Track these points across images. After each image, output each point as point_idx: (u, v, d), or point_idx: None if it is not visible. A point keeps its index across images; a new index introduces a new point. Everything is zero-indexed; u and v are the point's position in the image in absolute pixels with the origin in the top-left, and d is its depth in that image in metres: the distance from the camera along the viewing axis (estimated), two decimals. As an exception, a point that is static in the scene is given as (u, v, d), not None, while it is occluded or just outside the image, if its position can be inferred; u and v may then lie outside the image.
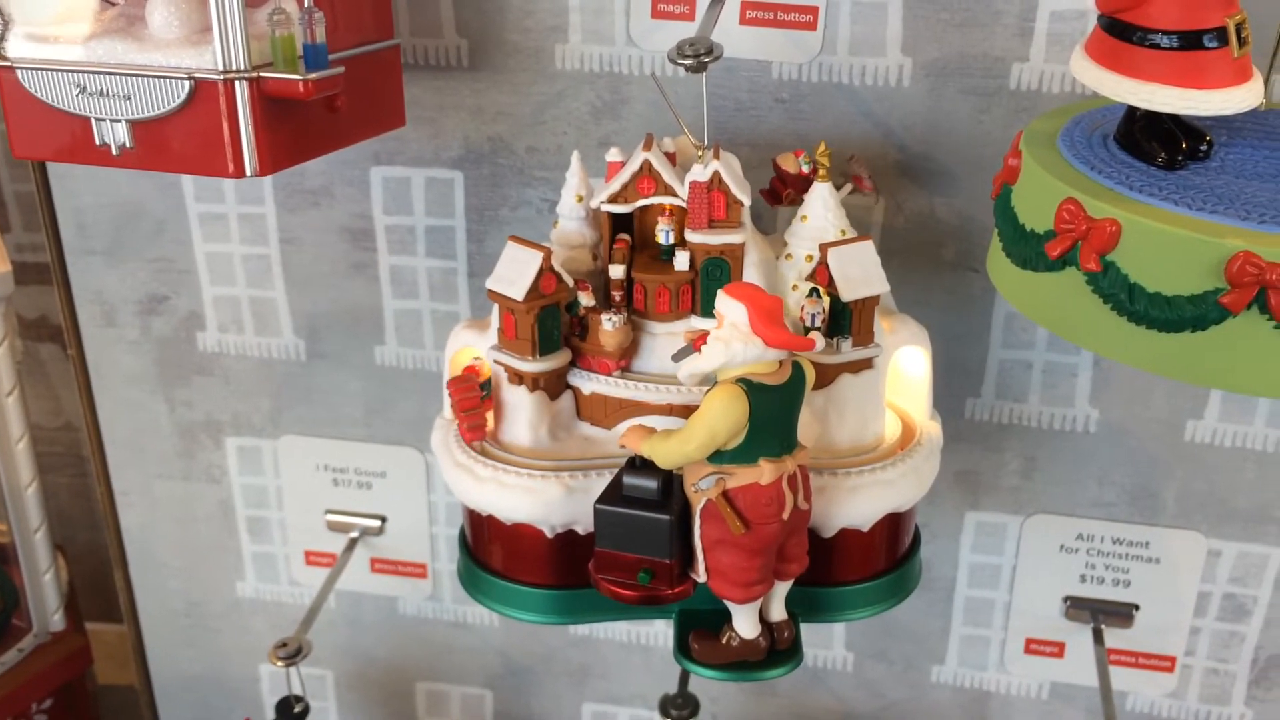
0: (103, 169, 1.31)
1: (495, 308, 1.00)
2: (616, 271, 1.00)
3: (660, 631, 1.48)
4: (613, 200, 0.99)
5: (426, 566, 1.50)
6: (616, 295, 1.01)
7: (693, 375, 0.91)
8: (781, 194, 1.07)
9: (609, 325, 0.98)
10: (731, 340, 0.87)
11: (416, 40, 1.21)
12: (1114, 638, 1.35)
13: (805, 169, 1.05)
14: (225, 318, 1.40)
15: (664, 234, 1.00)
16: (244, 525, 1.54)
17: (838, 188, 1.05)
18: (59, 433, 1.93)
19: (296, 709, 1.31)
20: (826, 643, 1.45)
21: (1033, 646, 1.39)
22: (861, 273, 0.97)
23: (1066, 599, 1.35)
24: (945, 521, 1.35)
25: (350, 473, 1.47)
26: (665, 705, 1.29)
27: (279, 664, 1.28)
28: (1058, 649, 1.38)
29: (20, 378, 1.44)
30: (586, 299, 0.99)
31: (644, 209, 1.01)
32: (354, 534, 1.49)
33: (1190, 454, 1.26)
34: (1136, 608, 1.34)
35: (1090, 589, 1.34)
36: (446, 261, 1.32)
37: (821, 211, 1.02)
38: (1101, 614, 1.34)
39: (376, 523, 1.48)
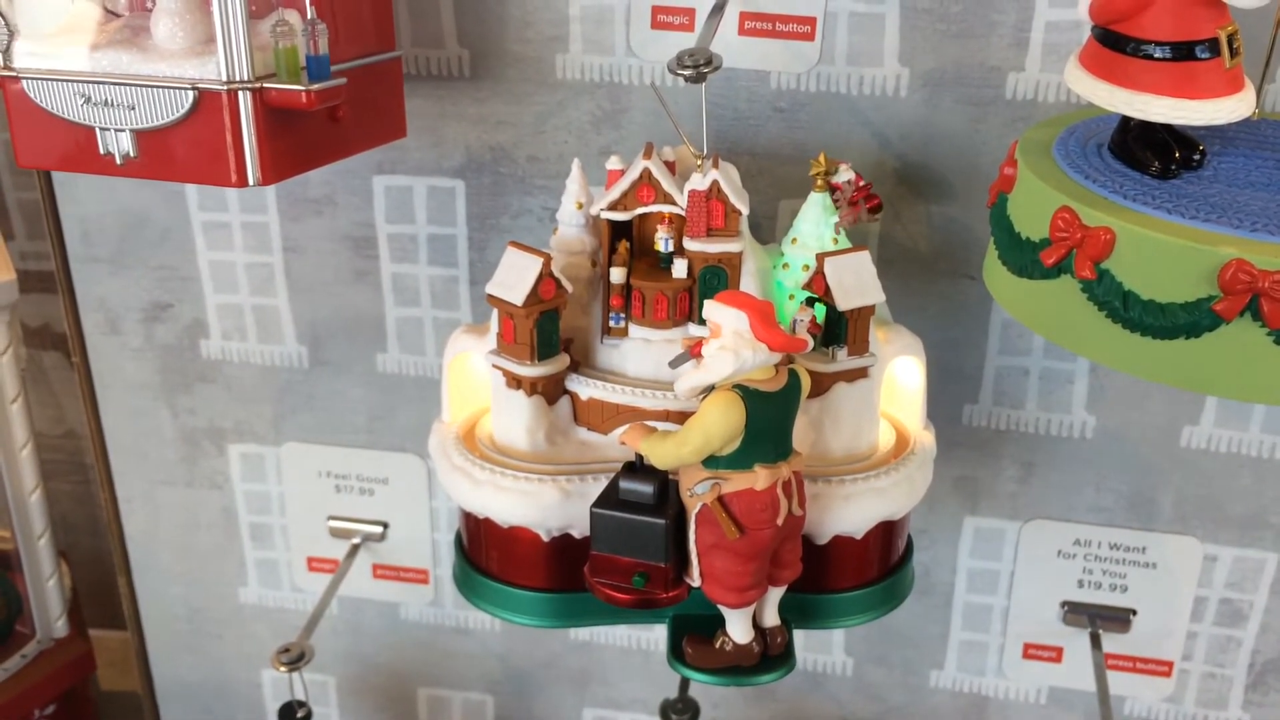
0: (107, 178, 1.33)
1: (494, 312, 1.01)
2: (617, 275, 1.00)
3: (660, 637, 1.49)
4: (612, 208, 1.00)
5: (428, 572, 1.51)
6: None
7: (694, 389, 0.90)
8: None
9: None
10: (739, 348, 0.87)
11: (419, 51, 1.22)
12: (1112, 643, 1.35)
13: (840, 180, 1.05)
14: (228, 325, 1.41)
15: (663, 242, 1.01)
16: (247, 531, 1.54)
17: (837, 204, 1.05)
18: (62, 440, 1.94)
19: (299, 714, 1.31)
20: (826, 648, 1.45)
21: (1031, 651, 1.40)
22: (857, 282, 0.98)
23: (1064, 604, 1.36)
24: (944, 527, 1.36)
25: (352, 479, 1.47)
26: (666, 710, 1.30)
27: (282, 669, 1.29)
28: (1055, 654, 1.39)
29: (24, 385, 1.45)
30: None
31: (643, 217, 1.02)
32: (356, 540, 1.49)
33: (1186, 460, 1.26)
34: (1134, 613, 1.34)
35: (1088, 594, 1.35)
36: (448, 269, 1.33)
37: (816, 221, 1.03)
38: (1099, 619, 1.34)
39: (378, 529, 1.49)
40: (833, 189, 1.04)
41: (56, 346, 1.87)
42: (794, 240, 1.04)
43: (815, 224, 1.04)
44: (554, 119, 1.23)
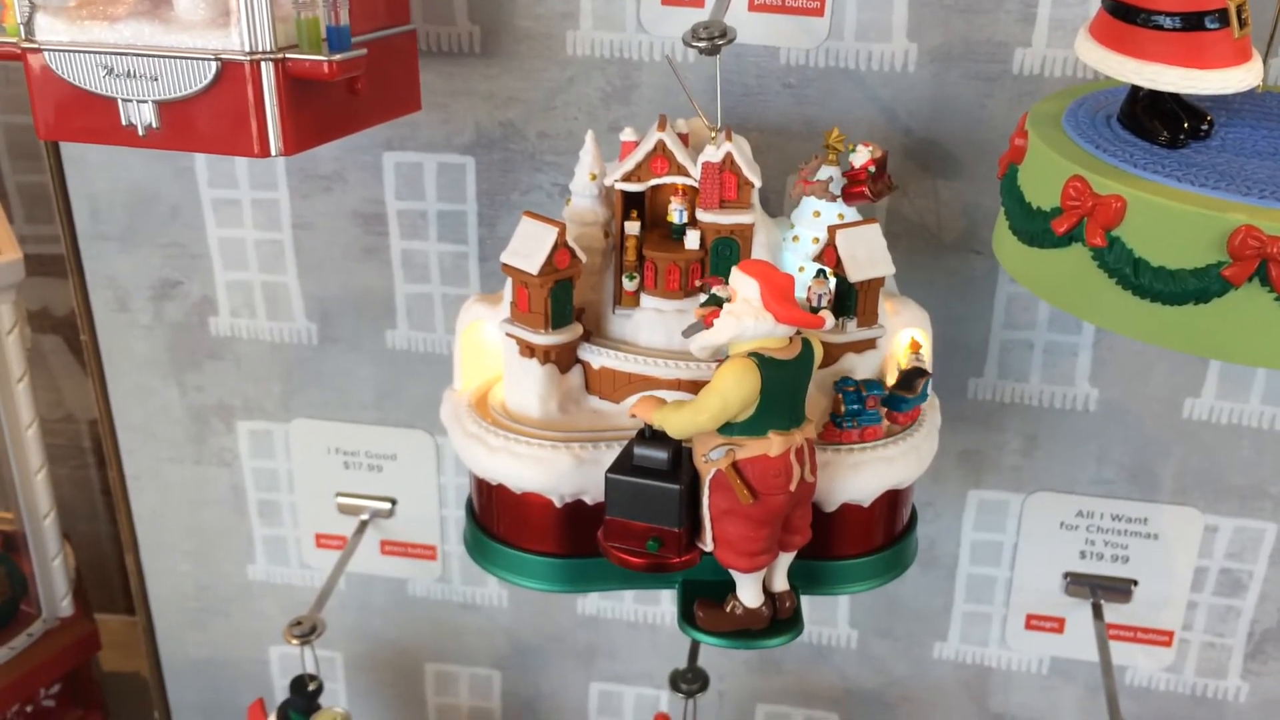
0: (117, 154, 1.34)
1: (509, 281, 1.02)
2: (630, 285, 1.02)
3: (667, 611, 1.50)
4: (626, 179, 1.01)
5: (436, 548, 1.52)
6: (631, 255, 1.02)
7: (705, 348, 0.92)
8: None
9: None
10: (743, 315, 0.89)
11: (429, 27, 1.22)
12: (1113, 613, 1.36)
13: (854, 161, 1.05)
14: (237, 302, 1.42)
15: (677, 213, 1.02)
16: (255, 509, 1.55)
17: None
18: (60, 424, 1.94)
19: (311, 687, 1.32)
20: (831, 620, 1.47)
21: (1033, 622, 1.41)
22: (868, 255, 1.00)
23: (1066, 575, 1.37)
24: (948, 499, 1.37)
25: (361, 456, 1.48)
26: (675, 679, 1.31)
27: (294, 642, 1.29)
28: (1058, 624, 1.40)
29: (29, 366, 1.45)
30: (722, 291, 1.00)
31: (655, 188, 1.03)
32: (364, 516, 1.50)
33: (1188, 431, 1.28)
34: (1135, 583, 1.36)
35: (1090, 565, 1.36)
36: (458, 246, 1.33)
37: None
38: (1101, 590, 1.36)
39: (387, 505, 1.50)
40: (852, 171, 1.05)
41: (57, 330, 1.88)
42: (841, 215, 1.05)
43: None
44: (564, 95, 1.24)
